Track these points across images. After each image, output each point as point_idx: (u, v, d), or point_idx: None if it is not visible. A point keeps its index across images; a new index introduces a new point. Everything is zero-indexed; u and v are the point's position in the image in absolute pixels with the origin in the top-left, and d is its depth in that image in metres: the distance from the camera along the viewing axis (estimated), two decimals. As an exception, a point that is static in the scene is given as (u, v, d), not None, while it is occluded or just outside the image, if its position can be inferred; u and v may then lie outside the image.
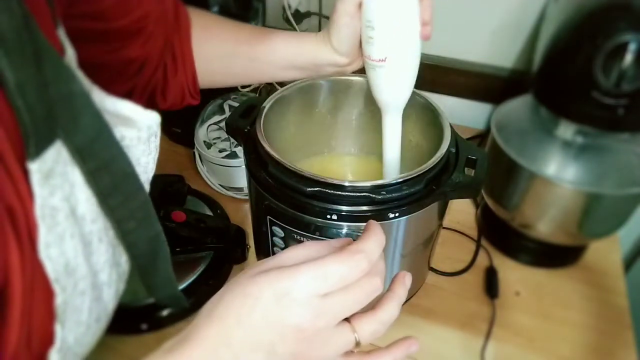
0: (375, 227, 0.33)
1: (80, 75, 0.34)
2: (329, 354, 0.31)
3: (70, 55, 0.35)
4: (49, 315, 0.30)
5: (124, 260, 0.40)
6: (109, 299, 0.38)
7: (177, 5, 0.52)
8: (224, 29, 0.54)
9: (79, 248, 0.32)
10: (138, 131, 0.37)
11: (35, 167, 0.28)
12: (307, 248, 0.33)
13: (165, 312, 0.59)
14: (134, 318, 0.58)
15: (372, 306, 0.34)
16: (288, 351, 0.30)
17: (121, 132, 0.36)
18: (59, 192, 0.30)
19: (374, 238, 0.32)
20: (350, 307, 0.31)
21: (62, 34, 0.35)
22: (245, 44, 0.53)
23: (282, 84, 0.58)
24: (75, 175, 0.32)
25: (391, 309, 0.34)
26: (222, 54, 0.54)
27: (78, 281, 0.32)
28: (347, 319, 0.32)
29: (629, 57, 0.48)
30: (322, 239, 0.46)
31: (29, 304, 0.29)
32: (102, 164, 0.33)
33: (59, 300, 0.30)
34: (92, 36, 0.39)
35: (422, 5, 0.44)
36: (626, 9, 0.50)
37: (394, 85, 0.47)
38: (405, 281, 0.35)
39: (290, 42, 0.52)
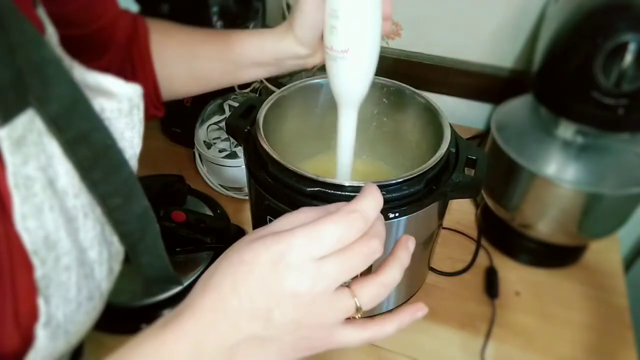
0: (371, 187, 0.32)
1: (60, 51, 0.34)
2: (329, 320, 0.30)
3: (51, 33, 0.35)
4: (32, 289, 0.30)
5: (116, 239, 0.39)
6: (102, 277, 0.37)
7: (134, 14, 0.52)
8: (181, 32, 0.54)
9: (60, 221, 0.31)
10: (118, 103, 0.36)
11: (3, 134, 0.28)
12: (303, 213, 0.32)
13: (165, 312, 0.59)
14: (134, 318, 0.58)
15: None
16: (286, 319, 0.29)
17: (101, 105, 0.35)
18: (34, 162, 0.30)
19: (370, 197, 0.31)
20: (349, 271, 0.30)
21: (42, 12, 0.34)
22: (205, 45, 0.53)
23: (281, 85, 0.58)
24: (53, 147, 0.32)
25: (392, 272, 0.32)
26: (182, 56, 0.53)
27: (60, 256, 0.32)
28: (347, 285, 0.31)
29: (629, 57, 0.48)
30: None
31: (9, 276, 0.28)
32: (80, 135, 0.33)
33: (38, 273, 0.30)
34: (66, 48, 0.39)
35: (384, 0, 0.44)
36: (626, 9, 0.50)
37: (354, 78, 0.47)
38: (409, 245, 0.34)
39: (251, 39, 0.52)
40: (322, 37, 0.47)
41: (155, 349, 0.29)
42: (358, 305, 0.31)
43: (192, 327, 0.29)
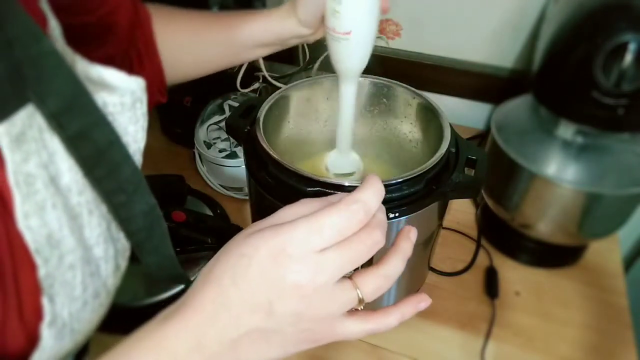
0: (373, 178, 0.32)
1: (63, 44, 0.33)
2: (331, 312, 0.30)
3: (54, 26, 0.34)
4: (35, 288, 0.30)
5: (122, 235, 0.38)
6: (108, 275, 0.36)
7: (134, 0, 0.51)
8: (186, 18, 0.55)
9: (63, 219, 0.31)
10: (121, 97, 0.35)
11: (2, 130, 0.27)
12: (304, 205, 0.32)
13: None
14: (134, 318, 0.58)
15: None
16: (288, 311, 0.29)
17: (103, 99, 0.34)
18: (35, 158, 0.29)
19: (372, 188, 0.31)
20: (351, 263, 0.29)
21: (45, 4, 0.34)
22: (210, 30, 0.54)
23: (283, 83, 0.58)
24: (55, 143, 0.31)
25: (395, 263, 0.32)
26: (188, 42, 0.54)
27: (64, 254, 0.31)
28: (349, 276, 0.30)
29: (629, 57, 0.48)
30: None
31: (12, 275, 0.28)
32: (82, 131, 0.32)
33: (42, 272, 0.29)
34: (69, 36, 0.38)
35: None
36: (626, 9, 0.50)
37: (356, 56, 0.48)
38: (410, 236, 0.33)
39: (255, 21, 0.53)
40: (323, 18, 0.49)
41: (157, 343, 0.29)
42: (360, 296, 0.30)
43: (193, 321, 0.29)
